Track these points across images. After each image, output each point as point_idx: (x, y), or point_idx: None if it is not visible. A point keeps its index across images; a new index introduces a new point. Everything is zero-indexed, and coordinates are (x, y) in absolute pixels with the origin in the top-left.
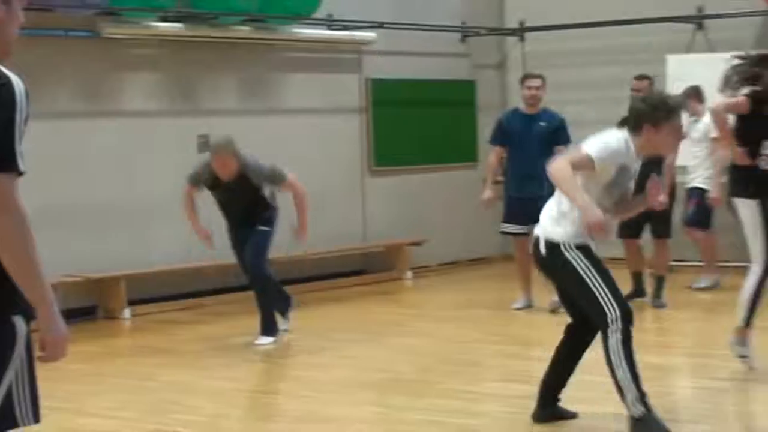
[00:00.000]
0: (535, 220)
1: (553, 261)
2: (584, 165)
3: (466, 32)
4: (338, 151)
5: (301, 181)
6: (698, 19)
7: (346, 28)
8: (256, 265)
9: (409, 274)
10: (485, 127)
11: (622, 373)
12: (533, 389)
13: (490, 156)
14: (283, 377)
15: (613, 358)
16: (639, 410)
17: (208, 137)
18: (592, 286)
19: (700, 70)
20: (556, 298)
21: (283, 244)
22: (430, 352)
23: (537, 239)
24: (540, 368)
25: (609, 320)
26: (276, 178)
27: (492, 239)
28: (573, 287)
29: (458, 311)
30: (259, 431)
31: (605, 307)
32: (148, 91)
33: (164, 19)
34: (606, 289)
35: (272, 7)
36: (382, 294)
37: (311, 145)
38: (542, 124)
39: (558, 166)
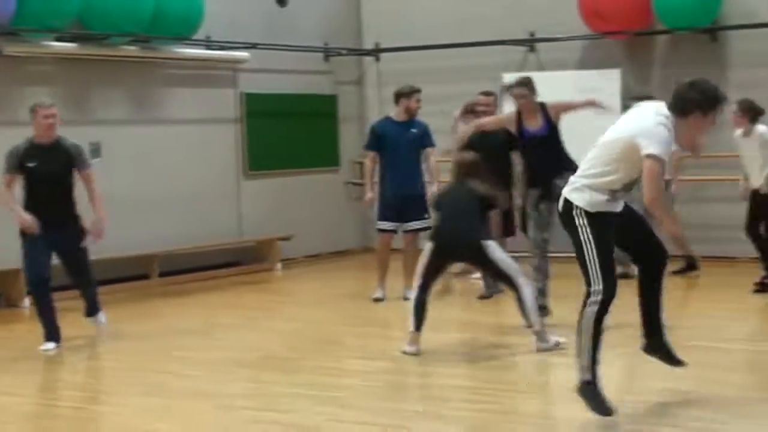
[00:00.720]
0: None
1: (566, 219)
2: (661, 171)
3: (328, 52)
4: (217, 157)
5: (184, 183)
6: (530, 42)
7: (222, 48)
8: None
9: (279, 265)
10: (346, 136)
11: (586, 340)
12: (392, 365)
13: (367, 161)
14: (166, 358)
15: (583, 323)
16: (587, 376)
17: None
18: (586, 256)
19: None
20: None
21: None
22: (298, 334)
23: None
24: (397, 347)
25: (592, 291)
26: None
27: (353, 234)
28: (576, 247)
29: (323, 298)
30: (142, 405)
31: (591, 279)
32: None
33: (60, 39)
34: (597, 263)
35: (157, 29)
36: (255, 283)
37: (193, 151)
38: (413, 130)
39: (654, 201)
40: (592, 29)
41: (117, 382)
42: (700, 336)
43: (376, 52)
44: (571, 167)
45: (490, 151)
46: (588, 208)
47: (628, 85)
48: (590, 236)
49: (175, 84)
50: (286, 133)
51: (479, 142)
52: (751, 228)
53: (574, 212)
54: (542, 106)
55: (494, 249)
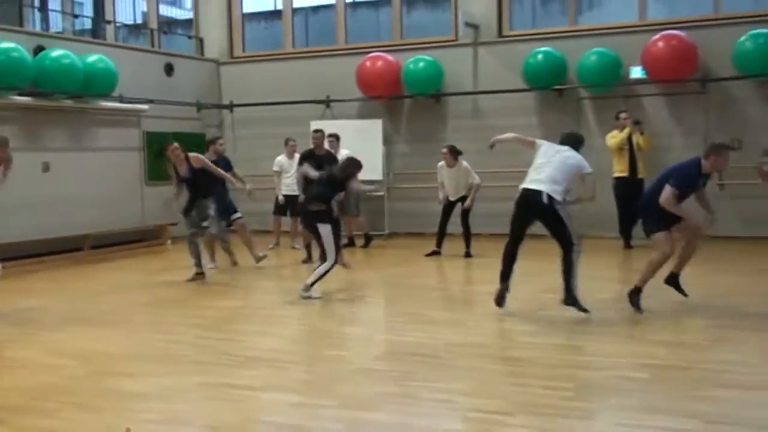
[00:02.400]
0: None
1: (550, 206)
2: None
3: (200, 106)
4: (128, 172)
5: (107, 188)
6: (327, 102)
7: (130, 101)
8: None
9: (170, 242)
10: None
11: (574, 277)
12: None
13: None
14: (94, 300)
15: (572, 266)
16: (574, 295)
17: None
18: (567, 226)
19: (329, 130)
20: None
21: None
22: (180, 284)
23: (541, 192)
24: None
25: (574, 243)
26: None
27: None
28: (556, 225)
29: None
30: (76, 331)
31: (572, 237)
32: (10, 137)
33: (20, 94)
34: (572, 228)
35: (87, 89)
36: (153, 253)
37: (112, 168)
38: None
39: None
40: (364, 94)
41: (58, 314)
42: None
43: (231, 106)
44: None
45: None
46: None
47: (387, 131)
48: (565, 214)
49: (100, 125)
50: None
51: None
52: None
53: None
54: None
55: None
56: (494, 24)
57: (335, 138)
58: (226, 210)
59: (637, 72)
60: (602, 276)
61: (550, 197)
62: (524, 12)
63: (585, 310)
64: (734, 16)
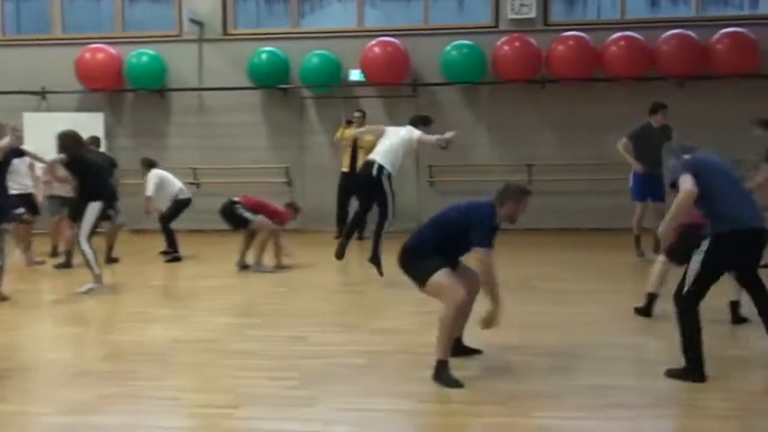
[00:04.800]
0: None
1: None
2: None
3: None
4: None
5: None
6: (42, 93)
7: None
8: None
9: None
10: None
11: (381, 244)
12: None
13: None
14: None
15: (382, 233)
16: (379, 258)
17: None
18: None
19: (44, 125)
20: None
21: None
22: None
23: (374, 163)
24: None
25: (388, 216)
26: None
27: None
28: (380, 198)
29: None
30: None
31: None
32: None
33: None
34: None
35: None
36: None
37: None
38: None
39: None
40: (84, 87)
41: None
42: None
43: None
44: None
45: None
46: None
47: (109, 125)
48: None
49: None
50: None
51: None
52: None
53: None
54: None
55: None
56: (219, 22)
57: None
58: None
59: (355, 75)
60: (326, 267)
61: (380, 168)
62: (248, 11)
63: (381, 274)
64: (441, 27)
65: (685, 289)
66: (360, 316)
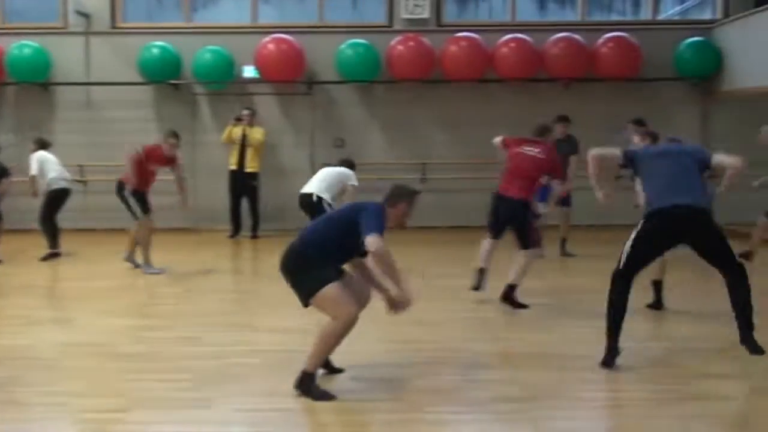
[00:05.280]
0: None
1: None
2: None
3: None
4: None
5: None
6: None
7: None
8: None
9: None
10: None
11: None
12: None
13: None
14: None
15: None
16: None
17: None
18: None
19: None
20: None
21: None
22: None
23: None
24: None
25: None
26: None
27: None
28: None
29: None
30: None
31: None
32: None
33: None
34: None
35: None
36: None
37: None
38: None
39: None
40: None
41: None
42: None
43: None
44: None
45: None
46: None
47: None
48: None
49: None
50: None
51: None
52: None
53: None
54: None
55: None
56: (107, 14)
57: None
58: None
59: (249, 71)
60: (219, 266)
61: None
62: (138, 4)
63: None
64: (336, 25)
65: (618, 266)
66: (255, 316)
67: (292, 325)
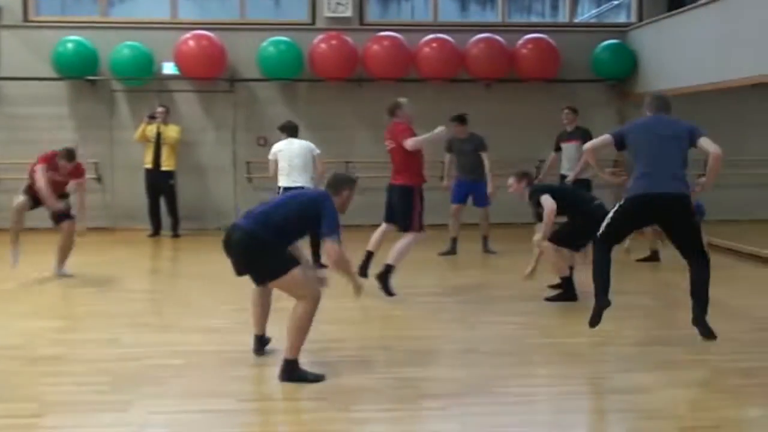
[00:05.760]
0: None
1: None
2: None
3: None
4: None
5: None
6: None
7: None
8: None
9: None
10: None
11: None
12: None
13: None
14: None
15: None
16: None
17: None
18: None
19: None
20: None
21: None
22: None
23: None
24: None
25: None
26: None
27: None
28: None
29: None
30: None
31: None
32: None
33: None
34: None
35: None
36: None
37: None
38: None
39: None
40: None
41: None
42: None
43: None
44: None
45: None
46: None
47: None
48: None
49: None
50: None
51: None
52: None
53: None
54: None
55: None
56: (19, 7)
57: None
58: None
59: (169, 68)
60: (137, 265)
61: None
62: None
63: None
64: (258, 22)
65: (599, 232)
66: (175, 315)
67: (212, 325)
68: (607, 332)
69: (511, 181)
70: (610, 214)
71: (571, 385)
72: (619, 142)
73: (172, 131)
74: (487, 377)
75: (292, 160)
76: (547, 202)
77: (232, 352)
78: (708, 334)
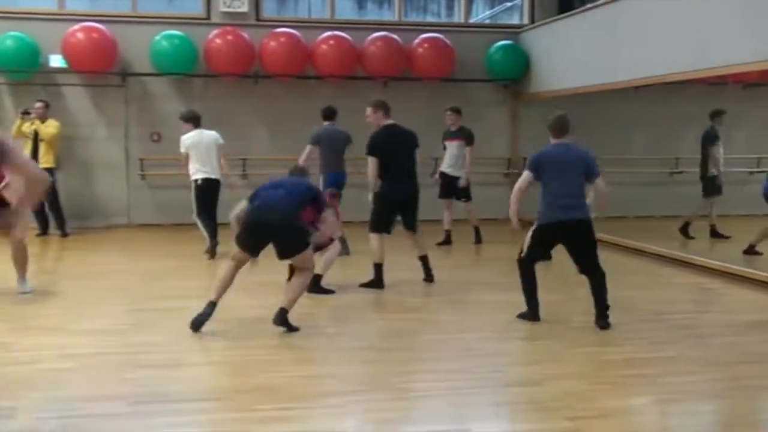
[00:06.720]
0: None
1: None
2: None
3: None
4: None
5: None
6: None
7: None
8: None
9: None
10: None
11: None
12: None
13: None
14: None
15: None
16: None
17: None
18: None
19: None
20: None
21: None
22: None
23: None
24: None
25: None
26: None
27: None
28: None
29: None
30: None
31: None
32: None
33: None
34: None
35: None
36: None
37: None
38: None
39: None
40: None
41: None
42: None
43: None
44: None
45: None
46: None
47: None
48: None
49: None
50: None
51: None
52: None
53: None
54: None
55: None
56: None
57: None
58: None
59: (57, 60)
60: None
61: None
62: None
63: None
64: (150, 15)
65: (520, 254)
66: (65, 317)
67: (105, 327)
68: (499, 328)
69: (368, 111)
70: (528, 236)
71: (467, 380)
72: (537, 176)
73: (50, 127)
74: (384, 373)
75: (207, 152)
76: None
77: (124, 354)
78: (606, 326)
